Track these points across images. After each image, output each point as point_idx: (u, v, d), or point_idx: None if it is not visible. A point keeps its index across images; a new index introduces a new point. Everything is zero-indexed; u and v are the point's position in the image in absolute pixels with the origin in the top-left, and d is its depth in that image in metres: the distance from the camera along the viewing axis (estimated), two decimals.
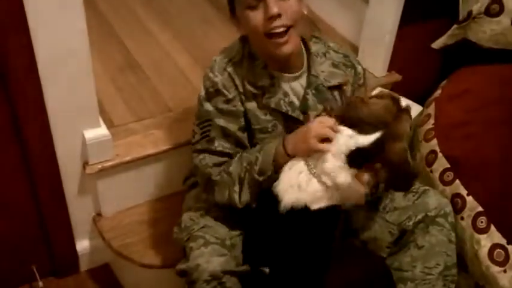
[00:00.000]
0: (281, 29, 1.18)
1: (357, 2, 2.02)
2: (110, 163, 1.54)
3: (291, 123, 1.29)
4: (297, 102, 1.31)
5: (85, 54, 1.36)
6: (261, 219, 1.25)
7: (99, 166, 1.52)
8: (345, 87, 1.32)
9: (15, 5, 1.20)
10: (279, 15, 1.17)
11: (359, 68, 1.37)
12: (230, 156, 1.28)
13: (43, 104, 1.37)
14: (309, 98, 1.31)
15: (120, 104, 1.75)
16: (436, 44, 1.88)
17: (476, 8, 1.79)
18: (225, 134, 1.27)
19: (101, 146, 1.50)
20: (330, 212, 1.19)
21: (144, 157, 1.59)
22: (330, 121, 1.17)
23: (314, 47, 1.33)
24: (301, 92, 1.32)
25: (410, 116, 1.19)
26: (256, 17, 1.19)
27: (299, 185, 1.17)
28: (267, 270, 1.23)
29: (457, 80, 1.85)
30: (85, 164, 1.52)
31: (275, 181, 1.20)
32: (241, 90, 1.27)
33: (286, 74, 1.30)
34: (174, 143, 1.62)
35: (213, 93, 1.26)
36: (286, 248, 1.21)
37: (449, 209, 1.34)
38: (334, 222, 1.25)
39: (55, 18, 1.26)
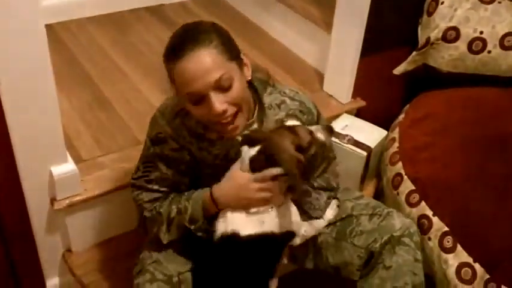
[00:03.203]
0: (228, 119, 1.19)
1: (322, 33, 2.09)
2: (78, 198, 1.53)
3: None
4: None
5: (51, 91, 1.37)
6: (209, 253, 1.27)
7: (67, 201, 1.52)
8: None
9: None
10: (224, 111, 1.17)
11: (315, 112, 1.40)
12: (165, 193, 1.32)
13: (9, 141, 1.37)
14: None
15: (89, 139, 1.76)
16: (397, 70, 1.94)
17: (434, 34, 1.87)
18: (164, 178, 1.30)
19: (69, 182, 1.50)
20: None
21: (113, 190, 1.59)
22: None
23: (268, 99, 1.33)
24: None
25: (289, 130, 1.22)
26: (200, 110, 1.19)
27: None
28: None
29: (420, 104, 1.91)
30: (53, 200, 1.51)
31: (206, 229, 1.27)
32: (189, 139, 1.28)
33: None
34: None
35: (161, 139, 1.28)
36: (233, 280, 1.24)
37: (413, 228, 1.36)
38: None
39: (18, 55, 1.28)
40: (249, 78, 1.25)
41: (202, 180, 1.33)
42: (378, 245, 1.34)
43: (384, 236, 1.34)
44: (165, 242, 1.31)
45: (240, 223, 1.22)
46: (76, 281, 1.59)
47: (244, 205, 1.22)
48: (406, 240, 1.34)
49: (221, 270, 1.24)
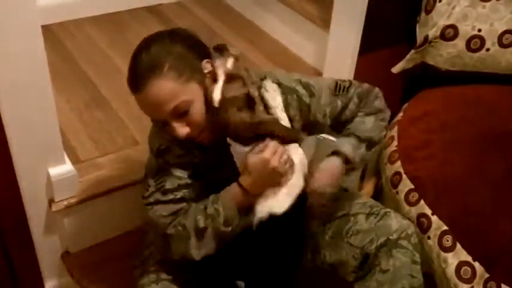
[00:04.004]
0: (194, 136, 1.20)
1: (320, 31, 2.08)
2: (76, 199, 1.53)
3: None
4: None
5: (48, 91, 1.37)
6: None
7: (65, 203, 1.52)
8: None
9: None
10: (188, 134, 1.18)
11: (299, 88, 1.29)
12: (183, 201, 1.25)
13: (6, 142, 1.37)
14: None
15: (87, 139, 1.75)
16: (396, 69, 1.94)
17: (432, 32, 1.86)
18: (179, 184, 1.25)
19: (67, 183, 1.50)
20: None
21: (111, 191, 1.58)
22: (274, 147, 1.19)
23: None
24: None
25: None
26: (169, 130, 1.19)
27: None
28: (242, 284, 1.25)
29: (418, 102, 1.90)
30: (51, 201, 1.51)
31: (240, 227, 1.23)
32: (191, 146, 1.25)
33: None
34: (141, 176, 1.60)
35: (164, 149, 1.26)
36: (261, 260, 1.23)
37: (411, 230, 1.34)
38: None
39: (15, 56, 1.27)
40: None
41: (217, 185, 1.28)
42: (373, 247, 1.32)
43: (381, 237, 1.33)
44: (198, 258, 1.22)
45: (277, 202, 1.19)
46: (75, 282, 1.59)
47: (280, 180, 1.19)
48: (404, 242, 1.32)
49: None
